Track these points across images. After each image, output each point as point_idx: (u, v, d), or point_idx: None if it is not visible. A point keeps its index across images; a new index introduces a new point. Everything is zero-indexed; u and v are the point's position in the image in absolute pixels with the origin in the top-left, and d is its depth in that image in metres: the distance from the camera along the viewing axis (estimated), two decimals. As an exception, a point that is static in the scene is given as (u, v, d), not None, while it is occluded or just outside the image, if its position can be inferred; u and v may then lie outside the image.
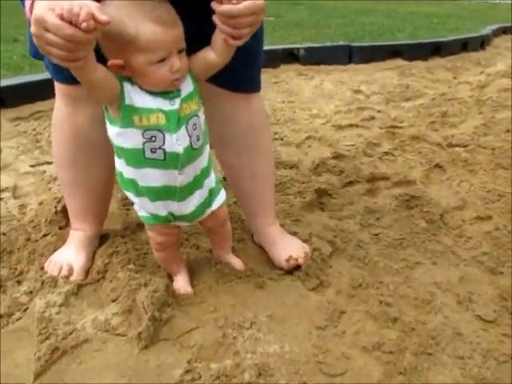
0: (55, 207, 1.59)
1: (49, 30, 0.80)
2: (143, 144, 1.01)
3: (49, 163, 2.08)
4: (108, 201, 1.47)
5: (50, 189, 1.84)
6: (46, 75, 3.05)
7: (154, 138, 1.01)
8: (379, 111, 2.98)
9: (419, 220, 1.67)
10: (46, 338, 1.08)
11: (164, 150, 1.02)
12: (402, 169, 2.12)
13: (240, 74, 1.24)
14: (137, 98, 0.99)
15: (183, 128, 1.03)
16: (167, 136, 1.01)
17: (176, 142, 1.02)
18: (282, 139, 2.43)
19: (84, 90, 1.07)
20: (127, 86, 0.98)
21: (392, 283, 1.32)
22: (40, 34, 0.81)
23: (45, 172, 1.99)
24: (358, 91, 3.48)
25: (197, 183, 1.13)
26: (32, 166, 2.06)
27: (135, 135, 1.00)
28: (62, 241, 1.43)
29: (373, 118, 2.84)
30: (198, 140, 1.07)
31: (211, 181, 1.18)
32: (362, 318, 1.19)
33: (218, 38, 1.00)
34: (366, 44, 4.67)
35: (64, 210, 1.54)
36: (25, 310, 1.19)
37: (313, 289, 1.29)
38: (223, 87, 1.28)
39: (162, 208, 1.12)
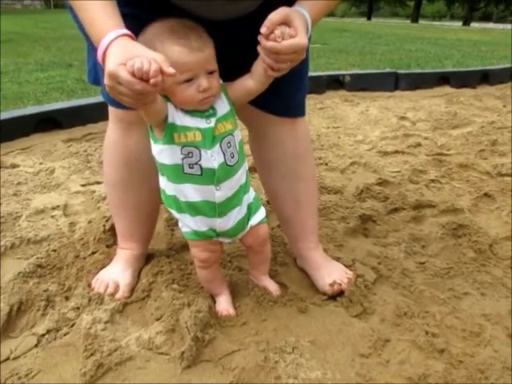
0: (103, 226, 1.63)
1: (121, 84, 0.87)
2: (182, 160, 1.07)
3: (98, 183, 2.16)
4: (155, 222, 1.50)
5: (98, 208, 1.90)
6: (97, 99, 3.20)
7: (191, 154, 1.07)
8: (426, 138, 2.94)
9: (467, 249, 1.62)
10: (92, 354, 1.10)
11: (200, 165, 1.07)
12: (449, 197, 2.07)
13: (286, 98, 1.27)
14: (177, 117, 1.05)
15: (217, 145, 1.08)
16: (203, 152, 1.07)
17: (211, 158, 1.07)
18: (326, 164, 2.43)
19: (137, 115, 1.13)
20: (171, 107, 1.05)
21: (439, 313, 1.28)
22: (113, 86, 0.88)
23: (94, 192, 2.06)
24: (404, 118, 3.45)
25: (236, 199, 1.16)
26: (82, 186, 2.13)
27: (175, 151, 1.07)
28: (109, 259, 1.46)
29: (419, 144, 2.80)
30: (232, 157, 1.11)
31: (250, 197, 1.21)
32: (407, 347, 1.16)
33: (258, 66, 1.07)
34: (412, 71, 4.64)
35: (112, 229, 1.59)
36: (72, 325, 1.22)
37: (356, 315, 1.27)
38: (269, 112, 1.30)
39: (202, 223, 1.15)
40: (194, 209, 1.13)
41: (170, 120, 1.05)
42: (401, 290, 1.39)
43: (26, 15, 17.49)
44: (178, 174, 1.09)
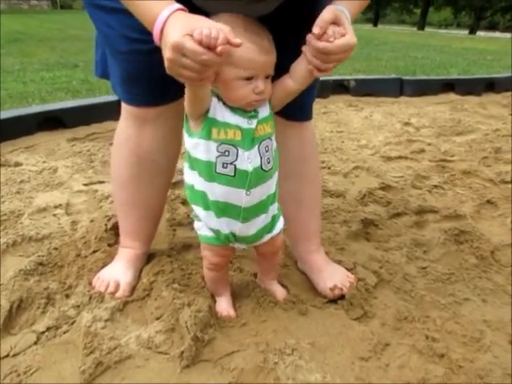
0: (105, 225, 1.63)
1: (185, 55, 0.84)
2: (216, 158, 1.05)
3: (101, 182, 2.16)
4: (159, 221, 1.50)
5: (101, 207, 1.90)
6: (101, 99, 3.23)
7: (227, 153, 1.04)
8: (429, 144, 2.94)
9: (469, 255, 1.62)
10: (91, 352, 1.10)
11: (235, 166, 1.05)
12: (451, 203, 2.07)
13: (296, 103, 1.26)
14: (219, 112, 1.04)
15: (256, 147, 1.06)
16: (240, 152, 1.04)
17: (247, 160, 1.05)
18: (329, 168, 2.43)
19: (151, 112, 1.15)
20: (214, 101, 1.04)
21: (439, 318, 1.28)
22: (176, 58, 0.85)
23: (97, 191, 2.06)
24: (408, 123, 3.45)
25: (262, 207, 1.14)
26: (85, 185, 2.14)
27: (211, 147, 1.05)
28: (110, 257, 1.46)
29: (422, 150, 2.80)
30: (268, 162, 1.10)
31: (275, 207, 1.20)
32: (407, 351, 1.16)
33: (300, 66, 1.05)
34: (417, 78, 4.65)
35: (113, 228, 1.59)
36: (72, 323, 1.22)
37: (356, 319, 1.27)
38: (278, 115, 1.30)
39: (225, 225, 1.13)
40: (220, 209, 1.10)
41: (210, 114, 1.03)
42: (402, 295, 1.38)
43: (32, 15, 17.60)
44: (210, 171, 1.06)
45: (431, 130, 3.29)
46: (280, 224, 1.23)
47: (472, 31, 32.28)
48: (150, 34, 1.10)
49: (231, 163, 1.05)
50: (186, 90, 0.97)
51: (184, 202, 1.93)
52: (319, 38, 0.97)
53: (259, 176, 1.08)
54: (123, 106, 1.30)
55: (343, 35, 0.98)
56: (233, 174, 1.06)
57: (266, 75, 1.03)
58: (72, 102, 3.17)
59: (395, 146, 2.89)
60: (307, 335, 1.19)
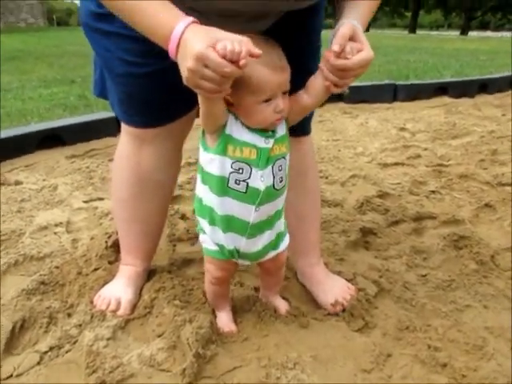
0: (106, 242, 1.64)
1: (207, 66, 0.85)
2: (229, 174, 1.05)
3: (101, 199, 2.17)
4: (159, 237, 1.51)
5: (101, 224, 1.91)
6: (99, 115, 3.24)
7: (241, 170, 1.05)
8: (425, 149, 2.95)
9: (469, 261, 1.63)
10: (94, 372, 1.11)
11: (247, 183, 1.05)
12: (449, 208, 2.07)
13: None
14: (236, 130, 1.04)
15: (270, 167, 1.06)
16: (254, 171, 1.05)
17: (260, 179, 1.05)
18: (326, 177, 2.44)
19: (150, 132, 1.16)
20: (231, 118, 1.04)
21: (441, 327, 1.28)
22: (198, 68, 0.85)
23: (97, 208, 2.06)
24: (403, 129, 3.47)
25: (269, 223, 1.14)
26: (85, 202, 2.14)
27: (225, 164, 1.04)
28: (111, 275, 1.47)
29: (419, 156, 2.81)
30: (280, 181, 1.10)
31: (281, 224, 1.20)
32: (410, 362, 1.16)
33: (316, 82, 1.05)
34: (410, 82, 4.66)
35: (114, 245, 1.60)
36: (74, 342, 1.22)
37: (358, 330, 1.27)
38: None
39: (230, 241, 1.13)
40: (227, 224, 1.11)
41: (227, 131, 1.03)
42: (402, 304, 1.39)
43: (29, 33, 17.66)
44: (222, 186, 1.06)
45: (427, 135, 3.31)
46: (286, 241, 1.24)
47: (463, 32, 32.43)
48: (146, 57, 1.11)
49: (244, 180, 1.05)
50: (201, 105, 0.97)
51: (183, 217, 1.94)
52: (337, 55, 0.97)
53: (270, 194, 1.09)
54: (122, 124, 1.31)
55: (360, 50, 0.98)
56: (244, 191, 1.06)
57: (283, 92, 1.03)
58: (70, 120, 3.18)
59: (391, 153, 2.90)
60: (309, 348, 1.20)
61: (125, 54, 1.12)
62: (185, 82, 0.89)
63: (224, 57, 0.83)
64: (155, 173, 1.32)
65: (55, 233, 1.84)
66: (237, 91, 0.96)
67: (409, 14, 39.17)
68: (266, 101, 1.00)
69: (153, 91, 1.18)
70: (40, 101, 4.24)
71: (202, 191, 1.12)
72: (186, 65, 0.86)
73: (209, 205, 1.11)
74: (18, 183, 2.34)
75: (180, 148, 1.39)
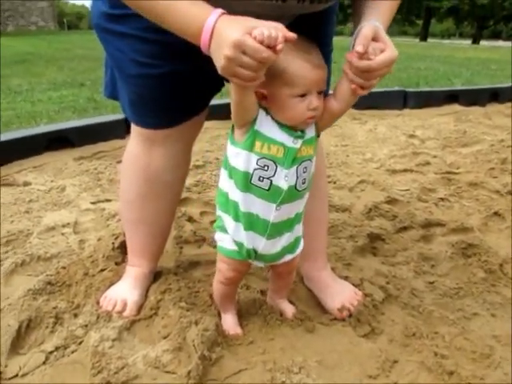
0: (113, 243, 1.64)
1: (245, 53, 0.85)
2: (253, 170, 1.05)
3: (108, 201, 2.17)
4: (166, 239, 1.51)
5: (108, 225, 1.91)
6: (107, 118, 3.25)
7: (266, 168, 1.04)
8: (435, 156, 2.94)
9: (477, 269, 1.61)
10: (99, 372, 1.11)
11: (271, 181, 1.05)
12: (458, 216, 2.06)
13: None
14: (266, 126, 1.03)
15: (295, 167, 1.06)
16: (279, 169, 1.04)
17: (284, 178, 1.05)
18: (334, 183, 2.44)
19: (160, 133, 1.16)
20: (262, 114, 1.03)
21: (448, 334, 1.27)
22: (235, 56, 0.85)
23: (104, 209, 2.07)
24: (412, 136, 3.45)
25: (288, 225, 1.14)
26: (93, 203, 2.15)
27: (251, 159, 1.04)
28: (117, 276, 1.47)
29: (428, 163, 2.80)
30: (303, 183, 1.10)
31: (299, 228, 1.20)
32: (416, 368, 1.15)
33: (343, 87, 1.05)
34: (421, 89, 4.65)
35: (121, 247, 1.60)
36: (80, 343, 1.22)
37: (364, 335, 1.27)
38: None
39: (250, 240, 1.13)
40: (249, 222, 1.10)
41: (256, 126, 1.03)
42: (409, 310, 1.38)
43: (40, 36, 17.84)
44: (245, 182, 1.06)
45: (436, 142, 3.29)
46: (301, 246, 1.23)
47: (475, 41, 32.35)
48: (159, 58, 1.11)
49: (268, 178, 1.05)
50: (233, 96, 0.97)
51: (190, 219, 1.94)
52: (361, 56, 0.97)
53: (292, 194, 1.08)
54: (133, 125, 1.32)
55: (382, 50, 0.98)
56: (267, 189, 1.06)
57: (319, 91, 1.02)
58: (79, 122, 3.20)
59: (400, 159, 2.89)
60: (315, 353, 1.19)
61: (137, 55, 1.13)
62: (220, 71, 0.89)
63: (261, 42, 0.84)
64: (164, 174, 1.32)
65: (62, 233, 1.84)
66: (271, 83, 0.97)
67: (420, 22, 39.16)
68: (301, 96, 1.00)
69: (164, 93, 1.18)
70: (49, 103, 4.28)
71: (228, 186, 1.12)
72: (222, 53, 0.86)
73: (235, 200, 1.10)
74: (26, 184, 2.35)
75: (189, 150, 1.39)
